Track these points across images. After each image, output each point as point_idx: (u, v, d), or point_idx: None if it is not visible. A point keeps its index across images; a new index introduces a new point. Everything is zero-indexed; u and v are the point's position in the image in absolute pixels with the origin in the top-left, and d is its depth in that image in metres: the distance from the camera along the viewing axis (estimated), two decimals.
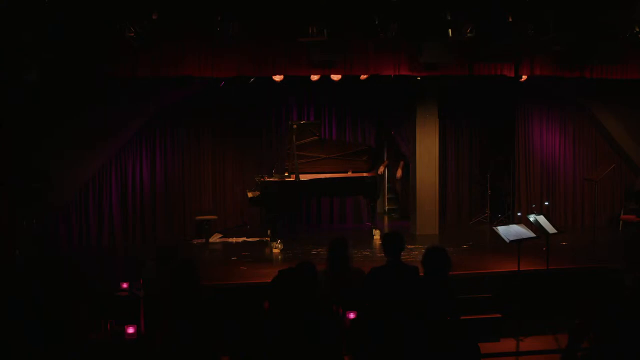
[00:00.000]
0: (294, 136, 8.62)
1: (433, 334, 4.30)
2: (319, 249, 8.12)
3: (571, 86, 9.65)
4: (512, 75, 8.19)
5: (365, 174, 9.25)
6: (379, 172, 10.43)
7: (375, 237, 9.04)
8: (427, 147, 9.73)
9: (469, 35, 7.09)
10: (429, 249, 4.65)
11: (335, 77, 8.51)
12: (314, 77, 8.29)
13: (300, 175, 8.53)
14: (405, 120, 10.39)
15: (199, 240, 9.41)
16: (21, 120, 8.01)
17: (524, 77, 8.60)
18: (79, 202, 9.27)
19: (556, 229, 6.78)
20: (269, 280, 4.80)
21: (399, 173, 11.18)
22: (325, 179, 8.81)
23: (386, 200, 11.74)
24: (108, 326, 5.06)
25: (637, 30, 7.39)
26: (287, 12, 7.14)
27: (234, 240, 9.47)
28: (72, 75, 7.25)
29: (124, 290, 5.85)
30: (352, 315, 4.92)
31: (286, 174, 8.77)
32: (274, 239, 8.52)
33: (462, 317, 5.51)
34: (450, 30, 7.07)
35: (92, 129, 8.70)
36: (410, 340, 4.27)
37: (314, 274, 4.26)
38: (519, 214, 10.52)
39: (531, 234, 6.38)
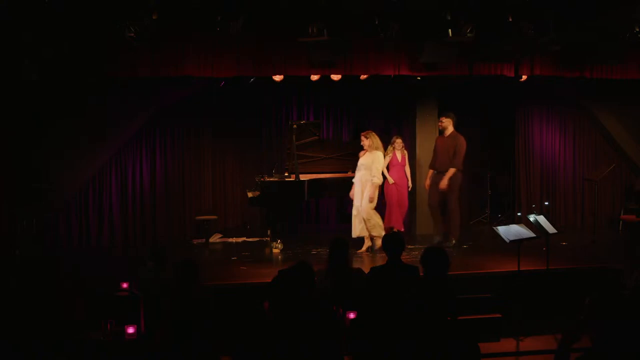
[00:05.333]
0: (294, 136, 8.62)
1: (433, 334, 4.30)
2: (319, 249, 8.12)
3: (571, 86, 9.65)
4: (512, 75, 8.20)
5: None
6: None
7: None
8: (427, 147, 9.73)
9: (469, 35, 7.09)
10: (427, 249, 4.66)
11: (335, 77, 8.51)
12: (314, 77, 8.29)
13: (301, 175, 8.53)
14: (405, 120, 10.41)
15: (199, 240, 9.41)
16: (21, 120, 8.01)
17: (524, 77, 8.60)
18: (79, 202, 9.27)
19: (556, 229, 6.78)
20: (269, 280, 4.81)
21: None
22: (326, 179, 8.82)
23: None
24: (108, 326, 5.05)
25: (637, 30, 7.39)
26: (287, 12, 7.14)
27: (234, 240, 9.47)
28: (72, 75, 7.26)
29: (124, 290, 5.84)
30: (352, 315, 4.92)
31: (286, 174, 8.77)
32: (274, 239, 8.51)
33: (462, 317, 5.52)
34: (450, 30, 7.07)
35: (92, 129, 8.69)
36: (410, 341, 4.27)
37: (310, 273, 4.26)
38: (519, 214, 10.53)
39: (531, 234, 6.37)
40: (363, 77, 8.61)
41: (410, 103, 10.03)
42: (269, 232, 8.91)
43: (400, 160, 9.02)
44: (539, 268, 6.88)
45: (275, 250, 8.35)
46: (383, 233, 8.05)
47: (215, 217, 9.76)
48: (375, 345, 4.50)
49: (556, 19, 7.20)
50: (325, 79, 8.52)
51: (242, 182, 10.21)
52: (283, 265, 7.32)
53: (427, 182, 8.68)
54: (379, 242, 8.02)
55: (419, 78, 8.71)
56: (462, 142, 8.43)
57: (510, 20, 7.13)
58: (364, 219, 8.01)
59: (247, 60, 7.51)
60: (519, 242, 6.26)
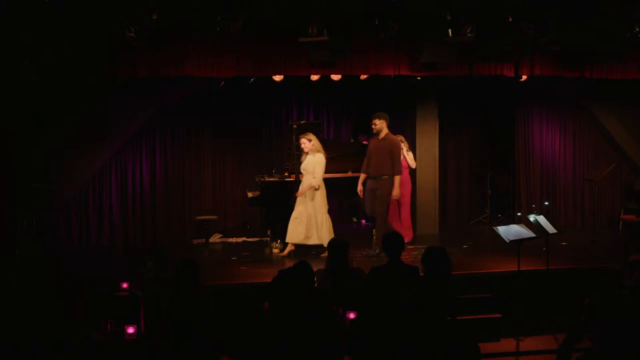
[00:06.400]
0: (294, 136, 8.62)
1: (433, 334, 4.30)
2: (319, 249, 8.11)
3: (571, 86, 9.65)
4: (512, 75, 8.20)
5: None
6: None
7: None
8: (427, 147, 9.74)
9: (469, 35, 7.09)
10: (428, 248, 4.65)
11: (335, 77, 8.51)
12: (314, 77, 8.29)
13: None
14: (405, 120, 10.40)
15: (199, 240, 9.41)
16: (21, 120, 8.01)
17: (524, 77, 8.60)
18: (79, 202, 9.27)
19: (556, 229, 6.79)
20: (269, 280, 4.81)
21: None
22: (325, 178, 8.80)
23: None
24: (108, 326, 5.05)
25: (637, 30, 7.39)
26: (287, 12, 7.14)
27: (234, 240, 9.47)
28: (72, 75, 7.26)
29: (124, 290, 5.85)
30: (352, 315, 4.92)
31: (286, 174, 8.77)
32: (274, 239, 8.51)
33: (462, 317, 5.52)
34: (450, 30, 7.07)
35: (92, 129, 8.69)
36: (410, 341, 4.27)
37: (310, 273, 4.26)
38: (519, 214, 10.53)
39: (531, 234, 6.38)
40: (363, 77, 8.61)
41: (410, 103, 10.03)
42: (269, 232, 8.91)
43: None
44: (539, 268, 6.88)
45: (275, 250, 8.34)
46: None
47: (215, 217, 9.76)
48: (375, 345, 4.50)
49: (556, 19, 7.19)
50: (325, 79, 8.52)
51: (242, 182, 10.21)
52: (283, 265, 7.32)
53: (359, 187, 8.04)
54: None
55: (419, 78, 8.71)
56: (397, 145, 7.98)
57: (510, 20, 7.12)
58: (318, 224, 7.77)
59: (247, 60, 7.51)
60: (519, 242, 6.26)
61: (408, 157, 8.70)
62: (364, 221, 10.77)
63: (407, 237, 8.41)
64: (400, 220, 8.58)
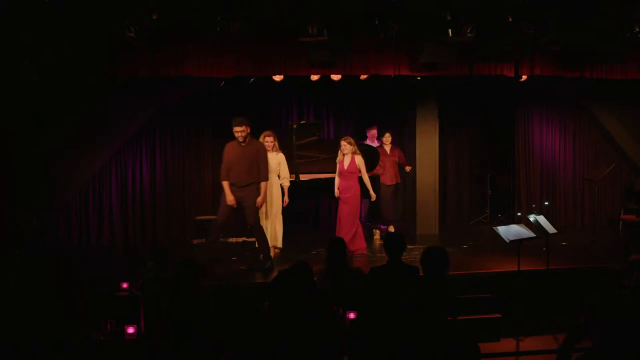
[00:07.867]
0: (293, 136, 8.61)
1: (433, 334, 4.30)
2: (319, 249, 8.11)
3: (571, 86, 9.65)
4: (512, 75, 8.20)
5: None
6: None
7: (375, 237, 9.02)
8: (427, 147, 9.75)
9: (469, 35, 7.09)
10: (427, 248, 4.65)
11: (335, 77, 8.51)
12: (314, 77, 8.29)
13: (300, 175, 8.51)
14: (405, 120, 10.41)
15: (199, 240, 9.41)
16: (21, 120, 8.01)
17: (524, 77, 8.60)
18: (79, 202, 9.27)
19: (556, 229, 6.79)
20: (269, 281, 4.82)
21: None
22: (325, 179, 8.80)
23: None
24: (108, 326, 5.05)
25: (637, 30, 7.39)
26: (287, 12, 7.14)
27: (234, 240, 9.47)
28: (72, 75, 7.26)
29: (124, 290, 5.85)
30: (352, 315, 4.92)
31: None
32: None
33: (462, 317, 5.52)
34: (450, 30, 7.07)
35: (92, 129, 8.69)
36: (410, 341, 4.27)
37: (310, 273, 4.26)
38: (519, 214, 10.53)
39: (531, 234, 6.38)
40: (363, 77, 8.61)
41: (410, 103, 10.03)
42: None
43: (347, 168, 7.89)
44: (539, 268, 6.88)
45: (275, 250, 8.33)
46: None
47: (215, 217, 9.74)
48: (375, 345, 4.50)
49: (556, 19, 7.19)
50: (325, 79, 8.51)
51: None
52: (283, 265, 7.32)
53: (230, 197, 7.24)
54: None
55: (419, 78, 8.71)
56: (263, 148, 7.44)
57: (510, 20, 7.12)
58: (276, 225, 7.77)
59: (247, 60, 7.52)
60: (519, 242, 6.27)
61: (357, 159, 7.92)
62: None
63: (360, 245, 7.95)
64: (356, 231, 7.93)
